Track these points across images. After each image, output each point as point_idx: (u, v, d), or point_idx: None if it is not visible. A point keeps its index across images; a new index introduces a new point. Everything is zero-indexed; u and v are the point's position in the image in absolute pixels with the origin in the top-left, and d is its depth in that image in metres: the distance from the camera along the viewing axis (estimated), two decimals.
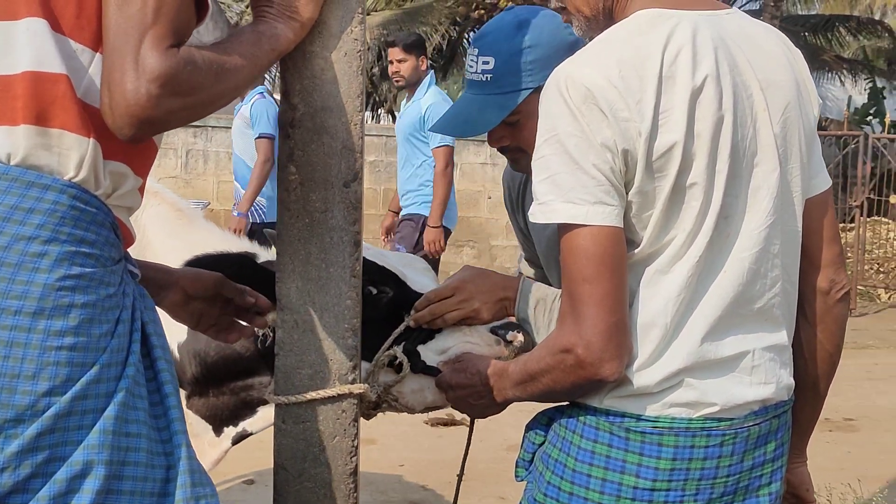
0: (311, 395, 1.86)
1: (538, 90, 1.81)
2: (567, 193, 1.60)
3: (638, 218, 1.65)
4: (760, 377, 1.74)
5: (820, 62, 18.29)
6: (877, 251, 13.54)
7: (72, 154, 1.48)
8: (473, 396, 1.98)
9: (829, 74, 19.79)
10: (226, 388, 2.56)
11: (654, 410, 1.67)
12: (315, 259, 1.85)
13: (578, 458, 1.72)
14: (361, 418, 2.00)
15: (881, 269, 13.39)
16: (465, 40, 23.03)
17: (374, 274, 2.21)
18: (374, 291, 2.18)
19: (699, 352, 1.67)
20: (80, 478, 1.40)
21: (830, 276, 1.88)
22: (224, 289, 2.06)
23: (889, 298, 13.11)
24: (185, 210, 2.77)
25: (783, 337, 1.80)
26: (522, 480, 1.90)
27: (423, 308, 2.09)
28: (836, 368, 1.97)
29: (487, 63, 2.08)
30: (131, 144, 1.54)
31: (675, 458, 1.67)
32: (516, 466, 1.94)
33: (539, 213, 1.66)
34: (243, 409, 2.60)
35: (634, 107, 1.59)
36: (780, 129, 1.73)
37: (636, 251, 1.67)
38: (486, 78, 2.09)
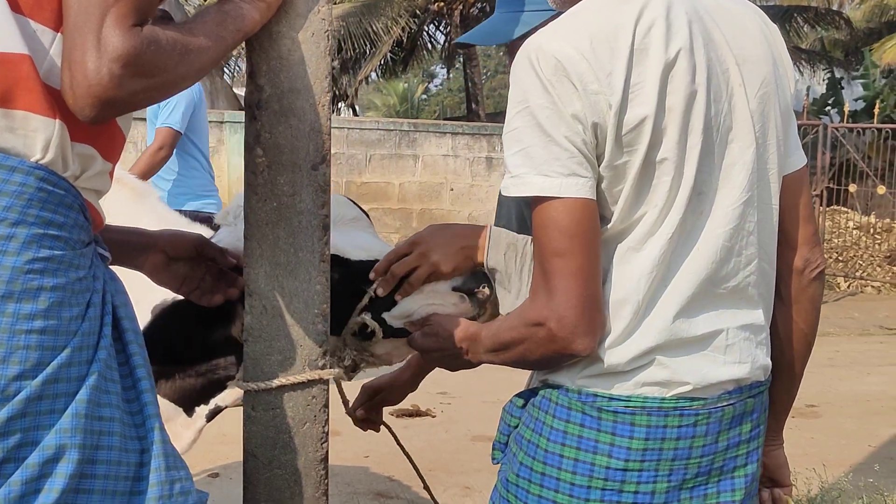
0: (281, 380, 1.83)
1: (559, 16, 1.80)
2: (540, 166, 1.58)
3: (609, 193, 1.63)
4: (735, 356, 1.71)
5: (794, 54, 18.48)
6: (836, 240, 13.71)
7: (38, 136, 1.45)
8: (447, 358, 1.95)
9: (803, 65, 20.03)
10: (190, 370, 2.53)
11: (627, 389, 1.65)
12: (283, 243, 1.81)
13: (551, 438, 1.70)
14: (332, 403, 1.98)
15: (840, 259, 13.56)
16: (425, 33, 23.02)
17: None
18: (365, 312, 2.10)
19: (671, 329, 1.65)
20: (53, 462, 1.38)
21: (805, 255, 1.87)
22: (205, 249, 2.03)
23: (848, 287, 13.28)
24: (143, 192, 2.72)
25: (759, 316, 1.77)
26: (498, 463, 1.88)
27: (384, 271, 2.00)
28: (812, 349, 1.95)
29: None
30: (97, 126, 1.51)
31: (648, 437, 1.65)
32: (493, 449, 1.91)
33: (511, 187, 1.63)
34: (212, 388, 2.57)
35: (605, 79, 1.56)
36: (756, 105, 1.71)
37: (608, 227, 1.65)
38: None
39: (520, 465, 1.74)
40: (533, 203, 1.62)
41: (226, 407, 2.62)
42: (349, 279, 2.06)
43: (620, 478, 1.65)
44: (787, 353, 1.91)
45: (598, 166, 1.61)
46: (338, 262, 2.05)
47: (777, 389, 1.91)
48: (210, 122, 11.11)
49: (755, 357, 1.75)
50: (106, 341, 1.49)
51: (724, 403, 1.70)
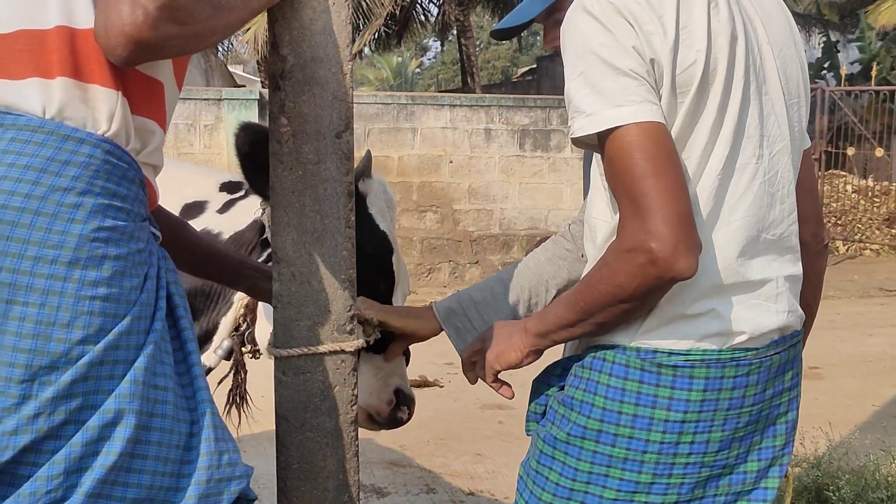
0: (311, 349, 1.86)
1: None
2: (613, 98, 1.58)
3: None
4: (784, 305, 1.76)
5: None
6: (834, 204, 13.75)
7: (102, 107, 1.50)
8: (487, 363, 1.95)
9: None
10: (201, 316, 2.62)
11: (686, 344, 1.67)
12: (309, 211, 1.84)
13: (608, 396, 1.71)
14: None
15: (839, 222, 13.61)
16: (418, 5, 22.90)
17: (385, 270, 2.53)
18: (372, 275, 2.39)
19: (736, 269, 1.68)
20: (112, 426, 1.42)
21: (812, 230, 1.93)
22: None
23: (847, 250, 13.35)
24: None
25: (798, 268, 1.82)
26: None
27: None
28: (814, 321, 2.02)
29: None
30: (154, 98, 1.57)
31: (706, 389, 1.67)
32: (527, 421, 1.93)
33: (587, 125, 1.61)
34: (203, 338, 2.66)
35: (657, 21, 1.60)
36: (780, 64, 1.77)
37: None
38: None
39: (573, 425, 1.74)
40: (608, 140, 1.60)
41: (212, 368, 2.67)
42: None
43: (678, 430, 1.68)
44: None
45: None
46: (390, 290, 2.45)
47: None
48: (208, 99, 11.15)
49: (795, 306, 1.80)
50: (161, 314, 1.53)
51: (773, 352, 1.75)
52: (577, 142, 1.68)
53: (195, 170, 3.00)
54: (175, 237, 2.10)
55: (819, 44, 20.09)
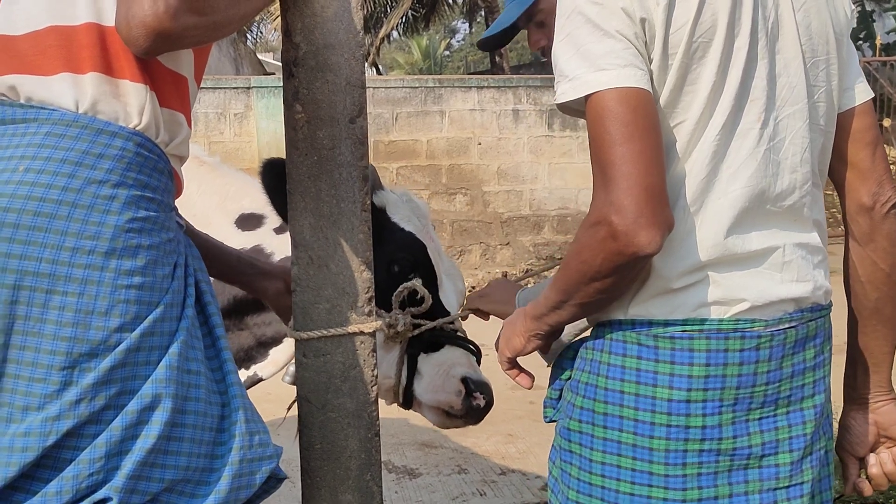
0: (330, 331, 1.90)
1: None
2: (596, 61, 1.51)
3: (654, 95, 1.56)
4: (793, 274, 1.63)
5: None
6: None
7: (133, 102, 1.55)
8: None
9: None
10: (244, 323, 2.63)
11: (682, 313, 1.58)
12: (326, 195, 1.87)
13: (609, 375, 1.64)
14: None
15: None
16: None
17: (422, 264, 2.52)
18: (412, 276, 2.46)
19: (724, 244, 1.57)
20: (150, 410, 1.48)
21: (873, 190, 1.76)
22: None
23: None
24: (206, 160, 2.82)
25: (815, 239, 1.69)
26: (552, 421, 1.84)
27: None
28: None
29: None
30: (179, 92, 1.62)
31: (709, 363, 1.57)
32: (544, 407, 1.88)
33: (570, 90, 1.54)
34: (256, 350, 2.68)
35: None
36: (801, 18, 1.65)
37: None
38: None
39: (580, 411, 1.68)
40: (589, 103, 1.53)
41: (264, 379, 2.72)
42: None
43: (684, 410, 1.58)
44: (871, 295, 1.80)
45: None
46: (433, 285, 2.50)
47: (871, 337, 1.82)
48: (237, 88, 11.22)
49: (815, 278, 1.67)
50: (191, 300, 1.59)
51: (786, 325, 1.62)
52: (564, 108, 1.60)
53: (254, 183, 3.02)
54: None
55: (854, 14, 19.79)
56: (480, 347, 2.56)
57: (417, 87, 11.64)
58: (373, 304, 1.94)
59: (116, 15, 1.47)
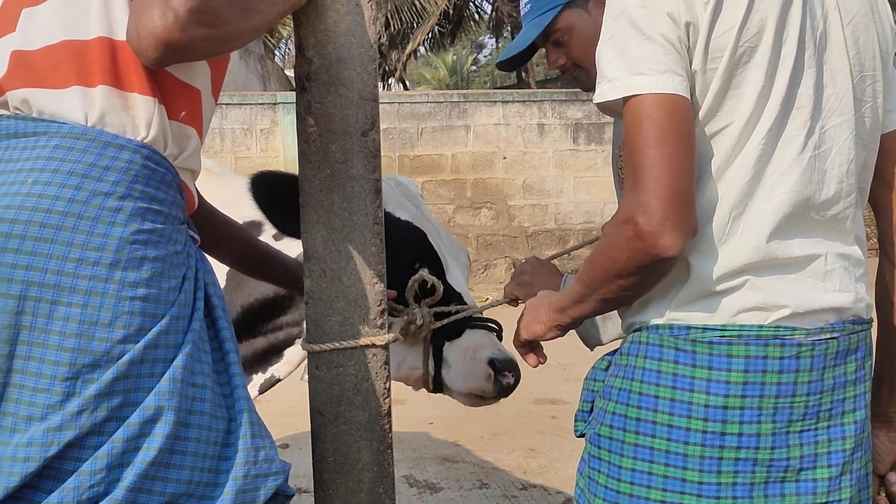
0: (342, 342, 1.91)
1: (570, 5, 1.94)
2: (636, 65, 1.53)
3: (697, 98, 1.58)
4: (835, 283, 1.62)
5: None
6: None
7: (141, 114, 1.57)
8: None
9: None
10: (258, 330, 2.66)
11: (721, 318, 1.57)
12: (338, 208, 1.88)
13: (644, 380, 1.62)
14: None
15: None
16: (471, 3, 22.93)
17: (426, 253, 2.53)
18: (417, 266, 2.45)
19: (766, 248, 1.56)
20: (152, 422, 1.47)
21: None
22: None
23: None
24: (214, 169, 2.85)
25: (857, 252, 1.67)
26: (581, 435, 1.81)
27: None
28: None
29: None
30: (191, 105, 1.64)
31: (748, 369, 1.55)
32: (575, 421, 1.84)
33: (608, 91, 1.56)
34: (271, 354, 2.71)
35: None
36: (850, 32, 1.65)
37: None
38: (528, 8, 2.18)
39: (612, 416, 1.66)
40: (627, 107, 1.55)
41: (281, 379, 2.74)
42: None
43: (721, 417, 1.56)
44: None
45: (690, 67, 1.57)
46: (438, 269, 2.53)
47: None
48: (263, 104, 11.31)
49: (857, 290, 1.65)
50: (199, 314, 1.59)
51: (828, 336, 1.60)
52: (603, 108, 1.62)
53: None
54: (232, 235, 2.20)
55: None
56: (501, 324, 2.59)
57: (442, 102, 11.69)
58: (385, 316, 1.95)
59: (127, 27, 1.50)
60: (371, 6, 1.86)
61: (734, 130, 1.57)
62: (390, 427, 1.98)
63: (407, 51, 22.21)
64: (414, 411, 6.02)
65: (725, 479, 1.58)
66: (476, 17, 24.09)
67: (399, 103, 11.70)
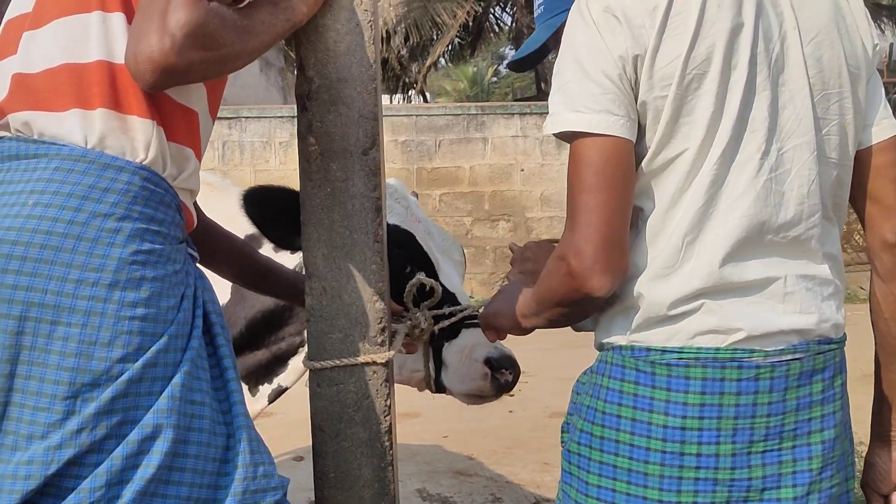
0: (343, 361, 1.92)
1: None
2: (574, 102, 1.57)
3: (649, 129, 1.60)
4: (795, 305, 1.62)
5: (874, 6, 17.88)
6: None
7: (140, 137, 1.59)
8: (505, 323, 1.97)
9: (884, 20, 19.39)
10: (263, 342, 2.69)
11: (679, 340, 1.59)
12: (339, 227, 1.90)
13: (607, 399, 1.65)
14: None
15: None
16: (491, 15, 22.97)
17: (415, 255, 2.52)
18: (408, 270, 2.45)
19: (719, 273, 1.58)
20: (151, 440, 1.49)
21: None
22: None
23: None
24: (216, 184, 2.88)
25: (825, 271, 1.67)
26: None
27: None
28: None
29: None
30: (189, 126, 1.66)
31: (705, 391, 1.57)
32: (562, 432, 1.85)
33: (549, 125, 1.62)
34: (276, 364, 2.74)
35: (650, 13, 1.55)
36: (811, 51, 1.65)
37: (647, 163, 1.61)
38: (541, 9, 2.17)
39: (580, 433, 1.69)
40: (571, 144, 1.60)
41: (288, 388, 2.76)
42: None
43: (679, 437, 1.58)
44: (895, 333, 1.77)
45: (637, 102, 1.59)
46: (430, 270, 2.49)
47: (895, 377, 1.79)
48: (282, 117, 11.37)
49: (822, 310, 1.65)
50: (197, 332, 1.61)
51: (789, 357, 1.61)
52: (560, 136, 1.64)
53: None
54: (232, 251, 2.22)
55: (881, 51, 19.52)
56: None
57: (460, 115, 11.71)
58: (386, 334, 1.96)
59: (125, 51, 1.51)
60: (371, 26, 1.87)
61: (688, 157, 1.59)
62: (391, 444, 1.99)
63: (427, 63, 22.25)
64: (428, 424, 6.02)
65: (686, 499, 1.60)
66: (496, 28, 24.11)
67: (417, 116, 11.73)
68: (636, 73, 1.57)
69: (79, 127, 1.57)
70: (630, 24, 1.56)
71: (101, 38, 1.59)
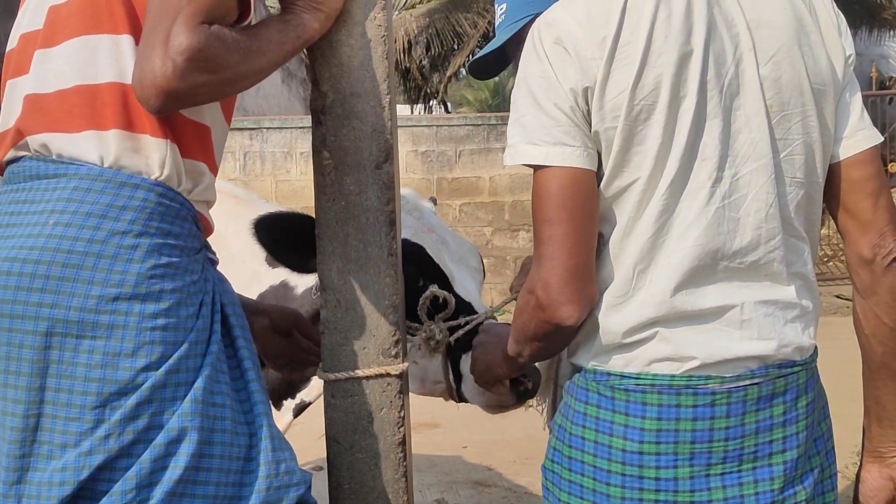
0: (357, 373, 1.94)
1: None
2: (530, 135, 1.61)
3: (603, 159, 1.61)
4: (753, 332, 1.62)
5: (881, 20, 17.70)
6: None
7: (154, 155, 1.63)
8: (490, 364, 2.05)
9: (892, 32, 19.23)
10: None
11: (636, 367, 1.62)
12: (353, 240, 1.92)
13: (574, 420, 1.68)
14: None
15: None
16: None
17: (426, 267, 2.50)
18: (420, 283, 2.43)
19: (671, 302, 1.59)
20: (177, 442, 1.56)
21: (874, 242, 1.70)
22: (299, 323, 2.26)
23: None
24: (242, 196, 2.90)
25: (789, 294, 1.66)
26: None
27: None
28: None
29: (502, 7, 2.15)
30: (202, 142, 1.70)
31: (661, 417, 1.59)
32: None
33: (507, 156, 1.66)
34: (298, 381, 2.75)
35: (599, 44, 1.56)
36: (769, 72, 1.63)
37: (604, 190, 1.62)
38: (502, 18, 2.18)
39: (553, 451, 1.74)
40: (533, 175, 1.64)
41: (311, 402, 2.78)
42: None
43: (637, 461, 1.61)
44: (878, 349, 1.74)
45: (591, 132, 1.60)
46: (443, 282, 2.47)
47: (883, 391, 1.77)
48: (303, 127, 11.41)
49: (783, 335, 1.64)
50: (216, 336, 1.67)
51: (747, 382, 1.61)
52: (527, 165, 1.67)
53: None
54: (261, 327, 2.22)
55: (850, 60, 19.38)
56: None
57: (480, 125, 11.72)
58: (400, 346, 1.97)
59: (132, 76, 1.55)
60: (384, 41, 1.89)
61: (639, 186, 1.60)
62: (405, 455, 2.00)
63: (448, 73, 22.29)
64: (448, 434, 6.02)
65: None
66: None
67: (437, 126, 11.75)
68: (587, 105, 1.59)
69: (94, 147, 1.61)
70: (579, 56, 1.57)
71: (112, 59, 1.63)
